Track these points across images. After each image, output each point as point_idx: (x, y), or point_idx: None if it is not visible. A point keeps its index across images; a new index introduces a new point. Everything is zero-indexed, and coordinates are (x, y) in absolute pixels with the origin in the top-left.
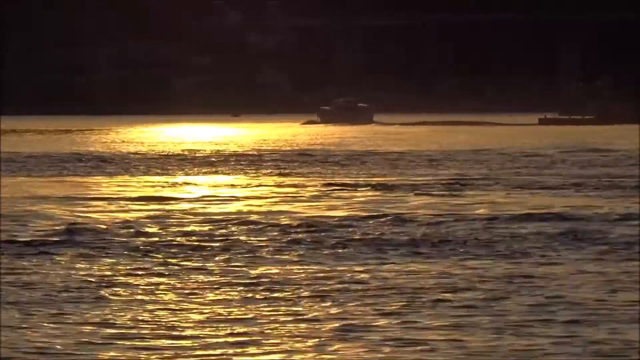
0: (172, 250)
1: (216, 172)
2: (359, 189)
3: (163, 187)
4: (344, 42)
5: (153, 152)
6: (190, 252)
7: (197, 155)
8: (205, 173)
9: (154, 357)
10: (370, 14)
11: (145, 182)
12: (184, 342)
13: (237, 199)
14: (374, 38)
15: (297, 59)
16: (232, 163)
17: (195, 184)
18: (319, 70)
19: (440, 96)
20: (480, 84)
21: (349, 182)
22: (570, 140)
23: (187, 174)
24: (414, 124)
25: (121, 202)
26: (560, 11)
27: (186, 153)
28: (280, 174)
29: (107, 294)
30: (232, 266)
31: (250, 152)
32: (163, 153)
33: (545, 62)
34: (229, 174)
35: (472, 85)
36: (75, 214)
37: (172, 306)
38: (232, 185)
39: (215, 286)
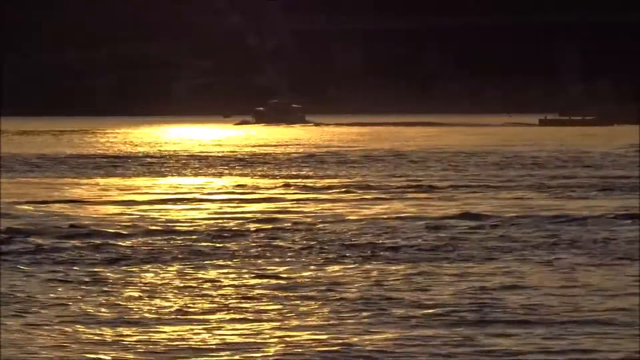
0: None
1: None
2: None
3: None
4: (343, 44)
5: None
6: None
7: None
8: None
9: None
10: (370, 16)
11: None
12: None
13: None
14: (373, 41)
15: (296, 60)
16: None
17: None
18: (318, 72)
19: (439, 98)
20: (480, 85)
21: None
22: None
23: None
24: (347, 125)
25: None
26: (560, 12)
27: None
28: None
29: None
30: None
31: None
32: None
33: (545, 63)
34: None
35: (472, 86)
36: None
37: None
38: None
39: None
